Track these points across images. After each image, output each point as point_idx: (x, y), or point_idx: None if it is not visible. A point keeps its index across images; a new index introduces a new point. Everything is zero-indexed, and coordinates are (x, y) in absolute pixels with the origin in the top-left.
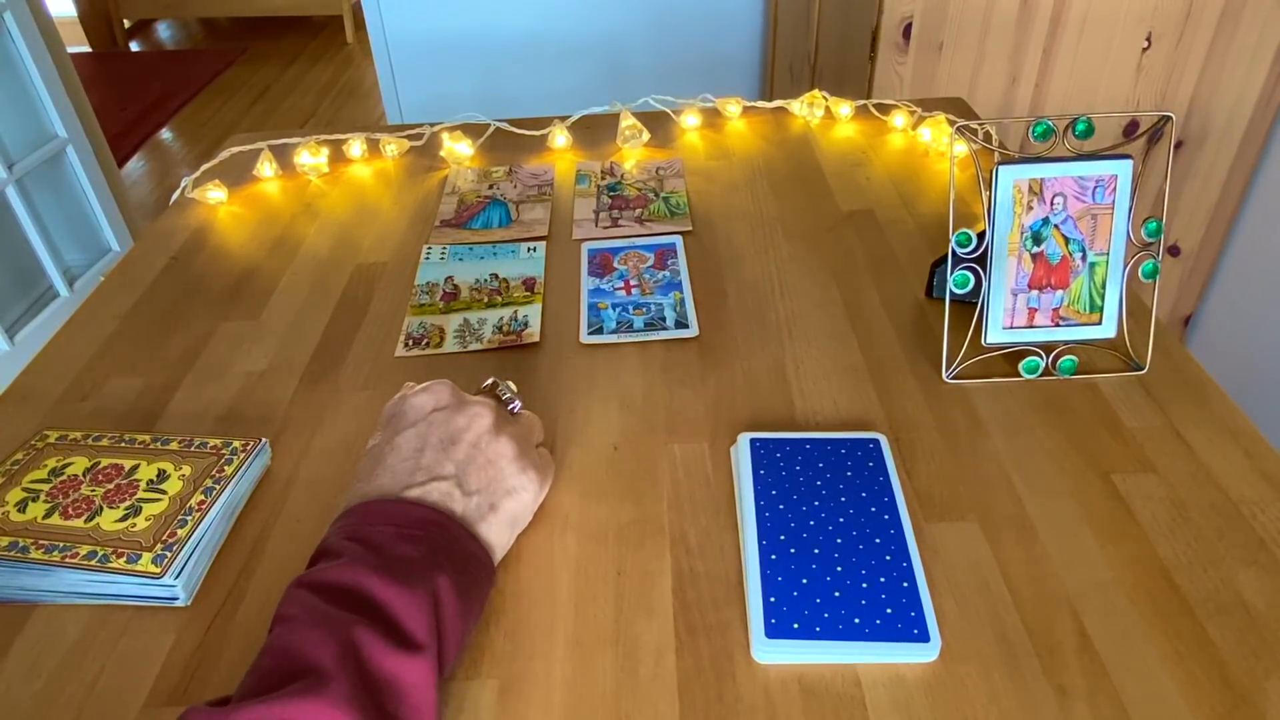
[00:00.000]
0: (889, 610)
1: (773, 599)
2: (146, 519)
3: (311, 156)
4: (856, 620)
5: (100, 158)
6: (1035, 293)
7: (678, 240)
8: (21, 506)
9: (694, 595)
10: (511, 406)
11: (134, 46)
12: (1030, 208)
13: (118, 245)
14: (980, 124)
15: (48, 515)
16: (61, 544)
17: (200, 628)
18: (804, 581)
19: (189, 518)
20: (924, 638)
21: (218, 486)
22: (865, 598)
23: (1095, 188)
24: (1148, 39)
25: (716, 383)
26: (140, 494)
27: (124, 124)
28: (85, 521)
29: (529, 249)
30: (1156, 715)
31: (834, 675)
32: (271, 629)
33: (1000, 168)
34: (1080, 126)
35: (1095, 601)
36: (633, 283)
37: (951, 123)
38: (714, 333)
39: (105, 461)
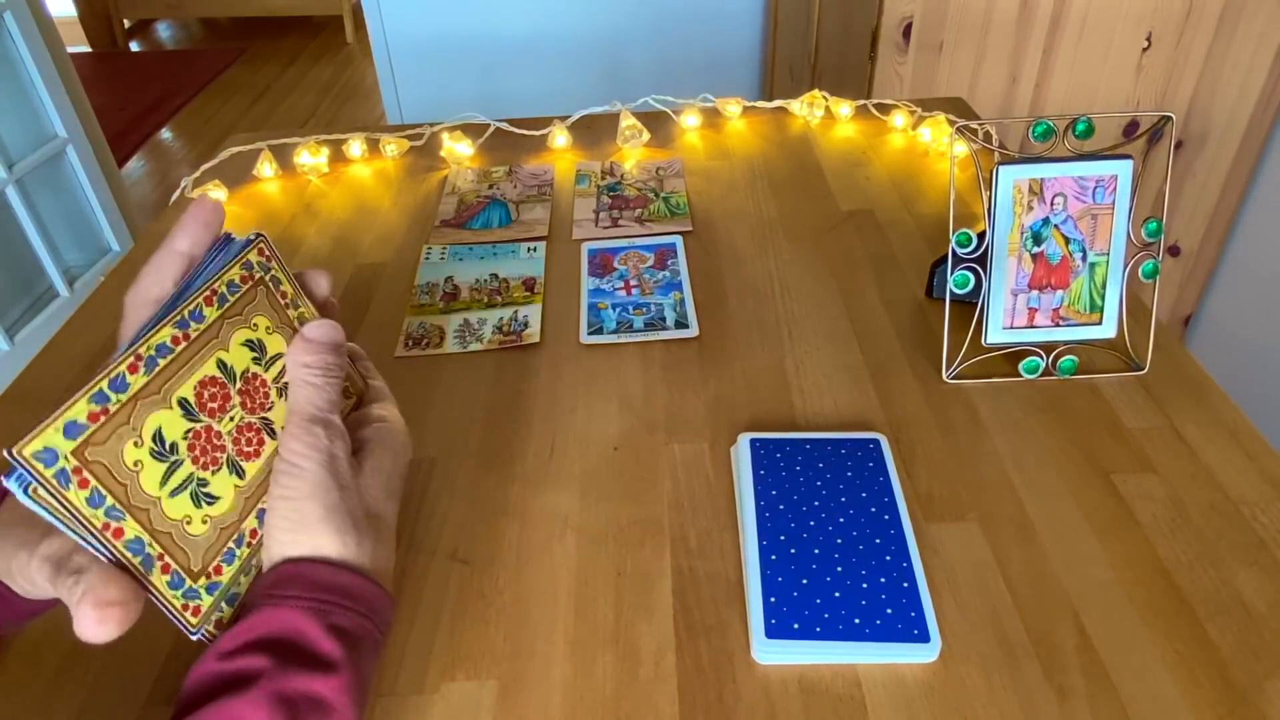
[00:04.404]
0: (889, 610)
1: (773, 599)
2: (205, 520)
3: (311, 156)
4: (856, 620)
5: (100, 158)
6: (1035, 293)
7: (678, 240)
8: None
9: (694, 595)
10: None
11: (134, 46)
12: (1030, 208)
13: (118, 245)
14: (980, 124)
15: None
16: (119, 505)
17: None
18: (804, 582)
19: (238, 550)
20: (924, 638)
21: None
22: (865, 598)
23: (1095, 188)
24: (1148, 39)
25: (716, 383)
26: (269, 405)
27: (124, 124)
28: (220, 474)
29: (529, 249)
30: (1156, 715)
31: (834, 675)
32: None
33: (1000, 168)
34: (1080, 126)
35: (1095, 601)
36: (633, 283)
37: (951, 123)
38: (714, 333)
39: (190, 385)
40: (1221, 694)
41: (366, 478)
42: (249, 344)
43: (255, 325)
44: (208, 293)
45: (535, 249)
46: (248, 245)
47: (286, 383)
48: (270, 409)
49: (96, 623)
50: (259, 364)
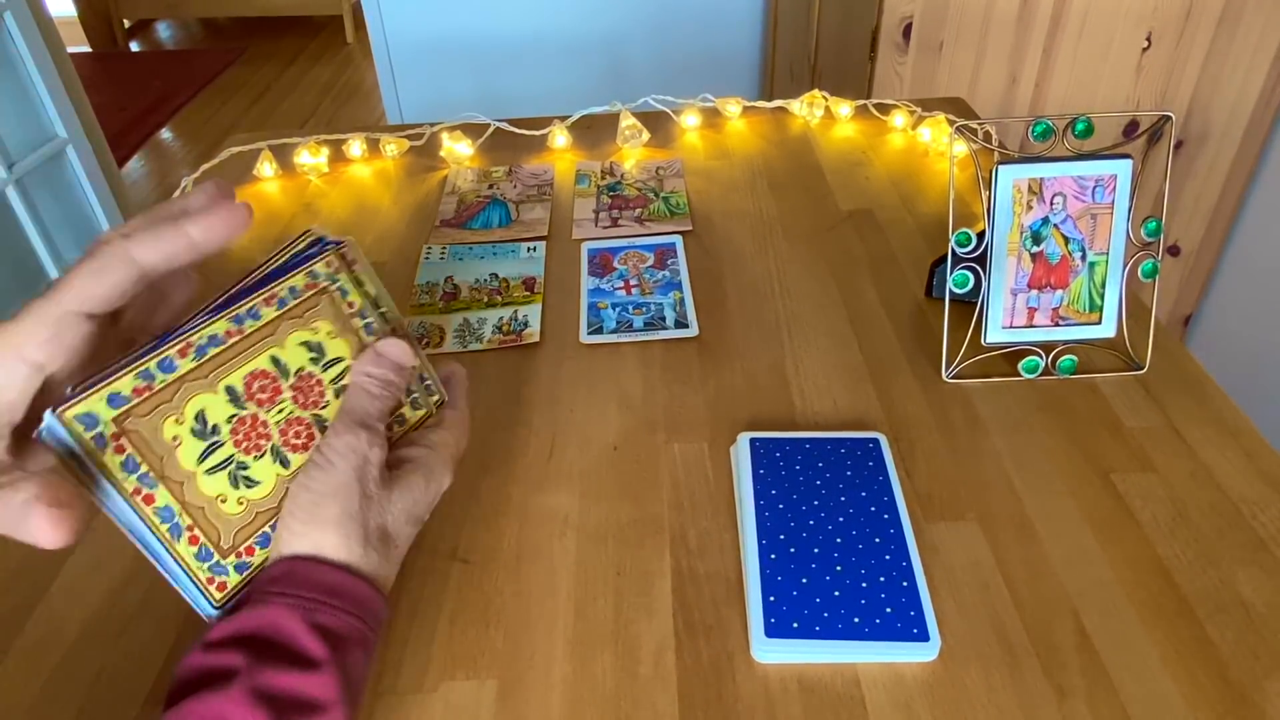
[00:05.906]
0: (889, 610)
1: (772, 598)
2: (241, 501)
3: (311, 156)
4: (856, 620)
5: (100, 158)
6: (1035, 292)
7: (678, 240)
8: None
9: (694, 595)
10: None
11: (134, 46)
12: (1030, 207)
13: None
14: (980, 124)
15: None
16: (151, 473)
17: (200, 628)
18: (804, 581)
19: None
20: (924, 637)
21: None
22: (865, 597)
23: (1095, 187)
24: (1148, 39)
25: (716, 383)
26: (323, 404)
27: (124, 124)
28: (263, 461)
29: (529, 249)
30: (1156, 715)
31: (834, 675)
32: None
33: (1000, 167)
34: (1080, 126)
35: (1095, 601)
36: (633, 282)
37: (951, 123)
38: (714, 333)
39: (239, 374)
40: (1221, 693)
41: (394, 495)
42: (307, 345)
43: (316, 329)
44: (267, 295)
45: (535, 249)
46: (322, 251)
47: (345, 385)
48: (325, 407)
49: (53, 523)
50: (316, 364)
